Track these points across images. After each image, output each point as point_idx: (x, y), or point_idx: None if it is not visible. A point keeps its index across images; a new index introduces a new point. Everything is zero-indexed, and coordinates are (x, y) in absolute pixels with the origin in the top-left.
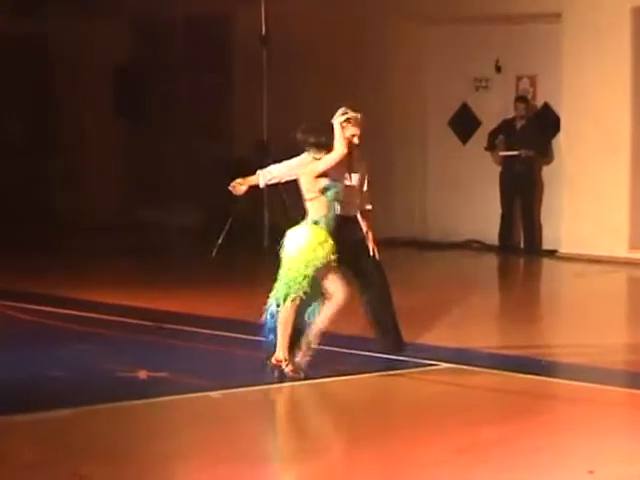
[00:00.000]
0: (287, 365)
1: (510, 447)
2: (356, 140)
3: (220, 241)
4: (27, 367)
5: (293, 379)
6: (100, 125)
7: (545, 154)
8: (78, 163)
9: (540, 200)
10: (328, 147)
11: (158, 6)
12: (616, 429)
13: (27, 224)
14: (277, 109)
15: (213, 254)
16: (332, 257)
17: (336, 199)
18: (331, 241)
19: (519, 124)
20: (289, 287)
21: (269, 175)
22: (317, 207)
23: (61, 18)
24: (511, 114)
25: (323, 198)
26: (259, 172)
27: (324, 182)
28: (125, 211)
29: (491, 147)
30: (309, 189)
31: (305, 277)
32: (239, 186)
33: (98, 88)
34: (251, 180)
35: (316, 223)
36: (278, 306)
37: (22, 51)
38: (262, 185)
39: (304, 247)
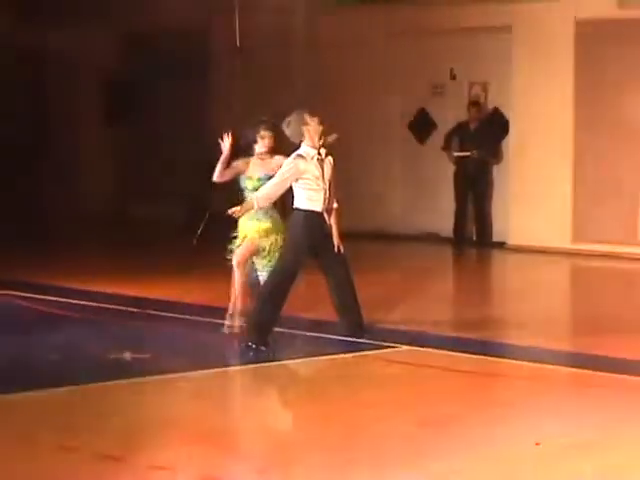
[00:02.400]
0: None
1: (465, 421)
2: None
3: (199, 232)
4: (23, 350)
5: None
6: (91, 128)
7: (495, 155)
8: (70, 163)
9: (490, 196)
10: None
11: (144, 19)
12: (559, 405)
13: (21, 219)
14: (251, 113)
15: (194, 242)
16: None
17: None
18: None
19: (472, 127)
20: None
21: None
22: None
23: (56, 29)
24: (464, 118)
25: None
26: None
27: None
28: (114, 207)
29: (447, 147)
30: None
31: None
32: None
33: (89, 94)
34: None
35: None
36: None
37: (19, 59)
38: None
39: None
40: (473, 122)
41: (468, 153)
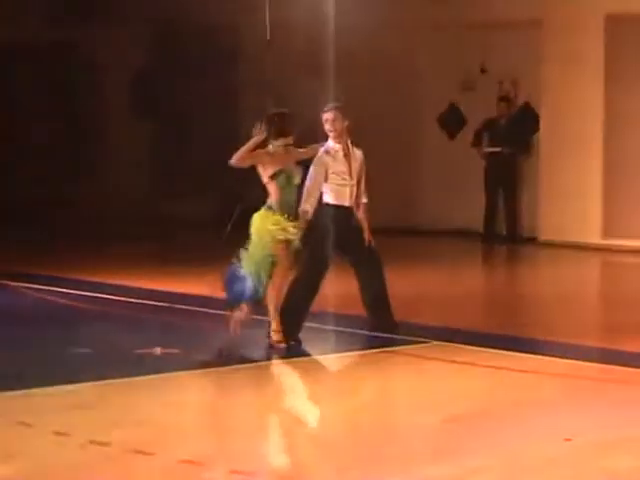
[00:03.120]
0: (276, 334)
1: (495, 417)
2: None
3: (229, 228)
4: (53, 344)
5: (277, 346)
6: (122, 124)
7: (526, 150)
8: (102, 159)
9: (521, 192)
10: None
11: (173, 15)
12: (591, 401)
13: (52, 217)
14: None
15: (223, 239)
16: (284, 238)
17: (291, 191)
18: (285, 223)
19: (502, 122)
20: (259, 266)
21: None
22: (270, 193)
23: (87, 26)
24: (494, 113)
25: (273, 186)
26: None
27: (272, 169)
28: (145, 203)
29: (477, 144)
30: (262, 174)
31: (266, 257)
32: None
33: (120, 89)
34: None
35: (269, 208)
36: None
37: (50, 57)
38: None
39: (258, 231)
40: (503, 117)
41: (499, 149)
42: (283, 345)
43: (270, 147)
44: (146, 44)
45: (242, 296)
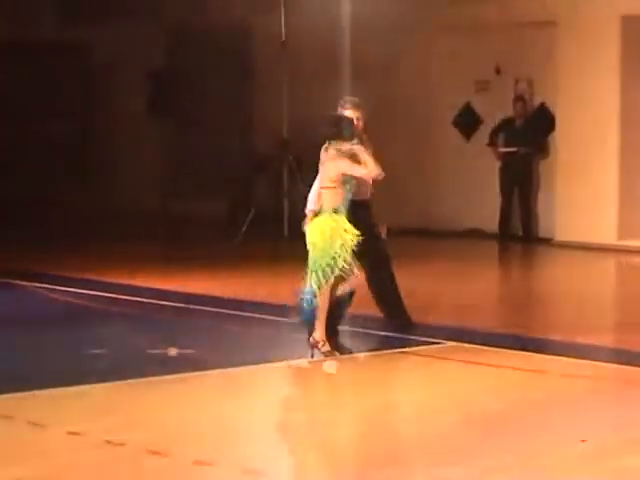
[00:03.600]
0: (323, 345)
1: (510, 418)
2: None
3: (244, 229)
4: (68, 345)
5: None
6: (135, 122)
7: (542, 151)
8: (115, 157)
9: (536, 193)
10: (342, 136)
11: (189, 15)
12: (607, 402)
13: (66, 215)
14: (296, 109)
15: (236, 240)
16: (353, 242)
17: (351, 190)
18: (351, 227)
19: (518, 122)
20: (323, 275)
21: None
22: (334, 196)
23: (102, 25)
24: (509, 113)
25: (340, 189)
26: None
27: (344, 176)
28: (159, 202)
29: (492, 144)
30: (331, 179)
31: (335, 263)
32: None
33: (134, 88)
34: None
35: (335, 211)
36: (315, 296)
37: (66, 55)
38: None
39: (330, 235)
40: (519, 118)
41: (515, 149)
42: (329, 350)
43: (342, 148)
44: (160, 45)
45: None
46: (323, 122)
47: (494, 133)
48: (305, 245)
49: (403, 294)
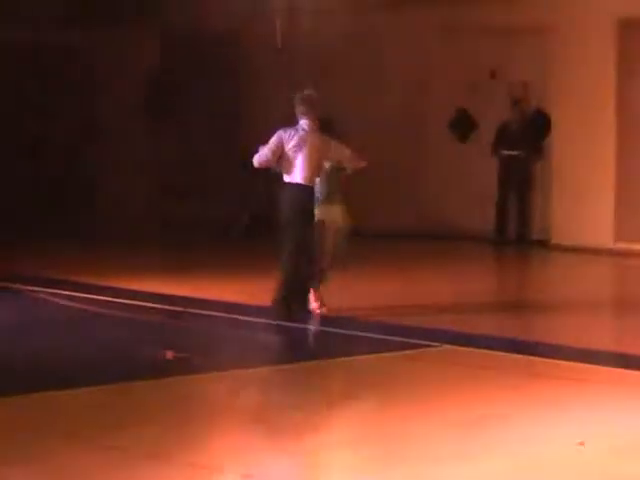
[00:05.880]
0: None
1: (504, 421)
2: None
3: (238, 227)
4: (66, 348)
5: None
6: (133, 125)
7: (539, 154)
8: (113, 160)
9: (533, 195)
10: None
11: (185, 20)
12: (604, 405)
13: (67, 218)
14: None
15: (231, 234)
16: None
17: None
18: None
19: (514, 126)
20: None
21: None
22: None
23: (100, 29)
24: (504, 117)
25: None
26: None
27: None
28: (158, 206)
29: (495, 152)
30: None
31: None
32: None
33: (132, 92)
34: None
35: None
36: None
37: (66, 59)
38: None
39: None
40: (516, 122)
41: (515, 153)
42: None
43: None
44: (158, 48)
45: None
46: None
47: (496, 143)
48: None
49: (400, 296)
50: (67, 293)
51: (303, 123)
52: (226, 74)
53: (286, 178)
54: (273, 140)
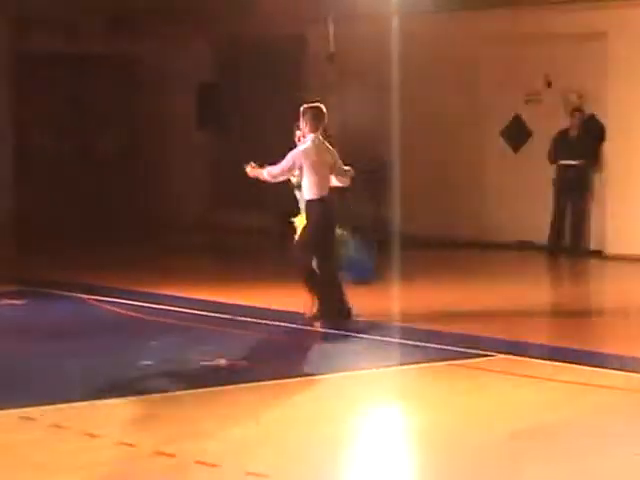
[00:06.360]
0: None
1: (561, 432)
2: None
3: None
4: (120, 356)
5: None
6: (185, 135)
7: (596, 162)
8: (164, 170)
9: (590, 204)
10: None
11: (237, 27)
12: None
13: (113, 226)
14: (345, 121)
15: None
16: None
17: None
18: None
19: (572, 134)
20: None
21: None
22: None
23: (150, 38)
24: (559, 126)
25: None
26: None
27: None
28: (206, 213)
29: (553, 160)
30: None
31: None
32: None
33: (183, 102)
34: None
35: None
36: None
37: (113, 67)
38: None
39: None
40: (574, 129)
41: (575, 162)
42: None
43: None
44: (211, 56)
45: None
46: None
47: (554, 151)
48: None
49: (453, 305)
50: (114, 300)
51: (314, 136)
52: (281, 81)
53: (307, 195)
54: (289, 158)
